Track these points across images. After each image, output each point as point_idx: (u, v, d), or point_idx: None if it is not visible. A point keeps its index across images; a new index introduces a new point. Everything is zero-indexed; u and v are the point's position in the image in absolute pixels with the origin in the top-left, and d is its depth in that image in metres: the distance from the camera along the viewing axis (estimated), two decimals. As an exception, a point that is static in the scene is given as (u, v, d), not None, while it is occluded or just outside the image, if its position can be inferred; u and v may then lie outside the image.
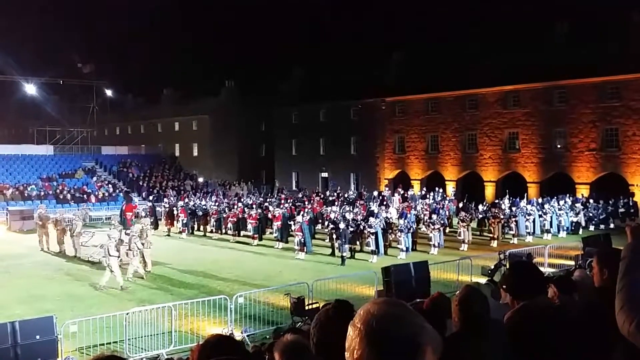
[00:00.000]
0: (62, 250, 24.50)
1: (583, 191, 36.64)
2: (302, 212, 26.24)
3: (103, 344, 12.08)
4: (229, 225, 29.31)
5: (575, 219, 30.42)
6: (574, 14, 42.90)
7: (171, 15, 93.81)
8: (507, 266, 15.79)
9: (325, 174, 53.98)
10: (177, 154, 62.25)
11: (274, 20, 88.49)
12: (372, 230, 23.04)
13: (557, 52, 39.07)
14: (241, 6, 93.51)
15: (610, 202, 33.18)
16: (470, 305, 3.51)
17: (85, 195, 41.01)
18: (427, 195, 37.65)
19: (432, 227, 24.78)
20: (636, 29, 37.07)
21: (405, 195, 38.64)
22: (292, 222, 26.47)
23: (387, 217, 25.94)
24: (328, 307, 2.79)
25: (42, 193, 40.28)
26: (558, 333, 3.56)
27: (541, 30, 44.25)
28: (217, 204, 33.28)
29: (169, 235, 30.15)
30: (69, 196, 40.28)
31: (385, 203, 35.01)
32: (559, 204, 30.73)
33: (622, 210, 32.92)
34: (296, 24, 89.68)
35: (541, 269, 18.19)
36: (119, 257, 18.38)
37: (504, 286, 3.82)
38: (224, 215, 30.31)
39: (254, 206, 31.10)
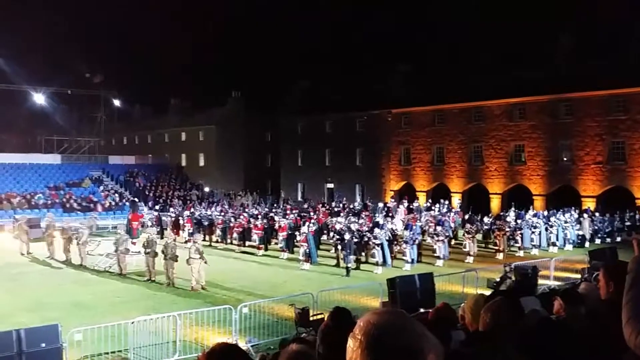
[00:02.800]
0: (68, 258, 24.56)
1: (589, 204, 36.50)
2: (307, 223, 26.22)
3: (108, 353, 12.09)
4: (235, 235, 29.34)
5: (581, 232, 30.31)
6: (581, 28, 42.95)
7: (178, 27, 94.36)
8: (513, 278, 15.76)
9: (330, 185, 54.01)
10: (183, 164, 62.42)
11: (281, 32, 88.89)
12: (378, 242, 23.01)
13: (563, 65, 39.11)
14: (248, 18, 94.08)
15: (617, 215, 33.04)
16: (501, 317, 3.47)
17: (92, 204, 41.14)
18: (433, 207, 37.58)
19: (437, 238, 24.73)
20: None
21: (411, 206, 38.57)
22: (297, 233, 26.45)
23: (392, 229, 25.89)
24: (328, 317, 2.80)
25: (49, 202, 40.44)
26: (565, 346, 3.56)
27: (547, 44, 44.34)
28: (222, 213, 33.31)
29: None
30: (75, 205, 40.43)
31: (390, 214, 34.95)
32: (564, 217, 30.63)
33: (628, 223, 32.78)
34: (302, 35, 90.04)
35: (547, 282, 18.17)
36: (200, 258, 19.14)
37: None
38: (230, 225, 30.34)
39: (260, 216, 31.09)
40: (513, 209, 32.95)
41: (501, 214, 34.07)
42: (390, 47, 71.68)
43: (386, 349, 1.66)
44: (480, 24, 60.78)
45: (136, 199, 42.49)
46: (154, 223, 33.28)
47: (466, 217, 31.67)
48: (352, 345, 1.71)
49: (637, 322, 2.47)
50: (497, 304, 3.55)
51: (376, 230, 24.02)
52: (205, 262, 19.44)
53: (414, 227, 25.76)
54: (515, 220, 29.28)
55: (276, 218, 30.60)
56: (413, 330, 1.70)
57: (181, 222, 32.57)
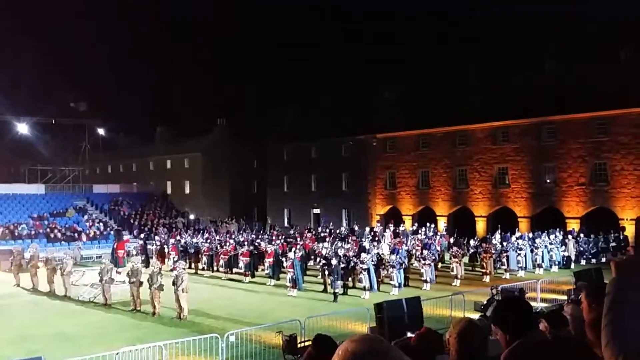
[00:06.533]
0: (52, 289, 24.24)
1: (573, 225, 36.77)
2: (294, 249, 26.16)
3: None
4: (221, 262, 29.15)
5: (566, 253, 30.49)
6: (563, 50, 43.79)
7: (164, 54, 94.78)
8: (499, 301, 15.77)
9: (317, 210, 53.98)
10: (169, 191, 62.13)
11: (266, 58, 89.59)
12: (364, 266, 22.98)
13: (546, 88, 39.69)
14: (234, 45, 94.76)
15: (601, 236, 33.29)
16: (470, 339, 3.49)
17: (76, 234, 40.74)
18: (419, 231, 37.66)
19: (424, 262, 24.76)
20: (623, 66, 37.83)
21: (397, 230, 38.63)
22: (284, 259, 26.35)
23: (379, 253, 25.89)
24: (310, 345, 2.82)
25: (33, 232, 39.99)
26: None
27: (530, 67, 45.12)
28: (208, 241, 33.14)
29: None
30: (59, 235, 40.00)
31: (377, 239, 34.97)
32: (549, 239, 30.81)
33: (613, 244, 33.02)
34: (288, 61, 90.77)
35: (533, 303, 18.20)
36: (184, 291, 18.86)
37: (495, 322, 3.82)
38: (216, 253, 30.16)
39: (246, 243, 30.96)
40: (499, 231, 33.10)
41: (487, 236, 34.23)
42: (375, 72, 72.51)
43: None
44: (463, 47, 61.71)
45: (121, 228, 42.14)
46: (139, 252, 32.99)
47: (452, 240, 31.76)
48: None
49: (616, 345, 2.50)
50: (463, 325, 3.57)
51: (363, 255, 24.01)
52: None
53: (401, 251, 25.79)
54: (501, 243, 29.41)
55: (262, 244, 30.48)
56: (390, 356, 1.72)
57: (166, 250, 32.33)
